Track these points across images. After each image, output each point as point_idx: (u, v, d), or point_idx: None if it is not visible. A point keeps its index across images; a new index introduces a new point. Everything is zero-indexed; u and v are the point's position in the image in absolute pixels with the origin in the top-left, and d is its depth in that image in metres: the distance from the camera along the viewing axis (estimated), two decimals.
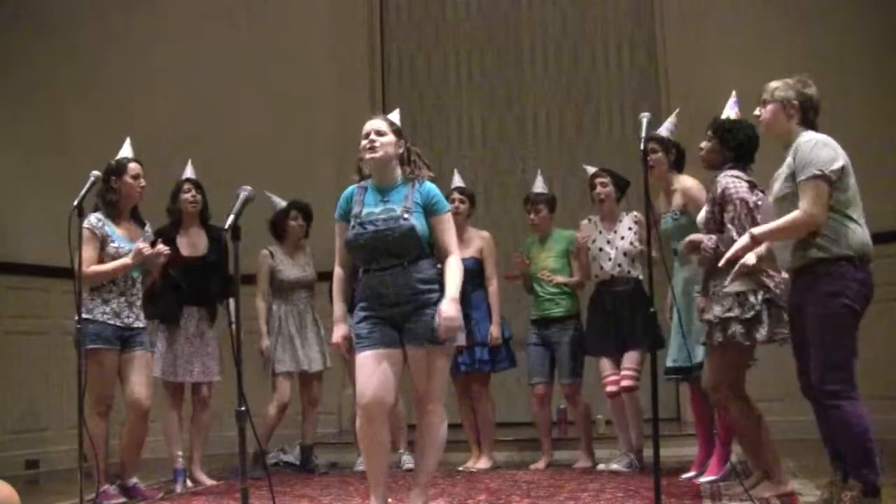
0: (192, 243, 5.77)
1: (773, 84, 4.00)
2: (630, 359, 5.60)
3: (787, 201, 3.85)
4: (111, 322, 5.08)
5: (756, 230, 3.92)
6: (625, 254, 5.70)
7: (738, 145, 4.57)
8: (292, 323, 6.15)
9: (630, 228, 5.74)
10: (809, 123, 3.95)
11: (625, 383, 5.58)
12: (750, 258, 4.04)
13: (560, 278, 5.93)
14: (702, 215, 4.57)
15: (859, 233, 3.82)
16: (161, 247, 5.21)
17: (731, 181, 4.39)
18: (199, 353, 5.71)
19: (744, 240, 3.92)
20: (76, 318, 4.92)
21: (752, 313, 4.27)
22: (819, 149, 3.78)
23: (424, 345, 3.85)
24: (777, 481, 4.42)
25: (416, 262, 3.89)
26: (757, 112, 4.06)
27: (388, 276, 3.88)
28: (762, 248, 4.09)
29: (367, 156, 3.98)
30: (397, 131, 4.06)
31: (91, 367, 4.99)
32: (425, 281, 3.88)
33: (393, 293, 3.86)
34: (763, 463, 4.49)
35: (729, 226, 4.31)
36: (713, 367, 4.47)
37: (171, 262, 5.40)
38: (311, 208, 6.33)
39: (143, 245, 5.10)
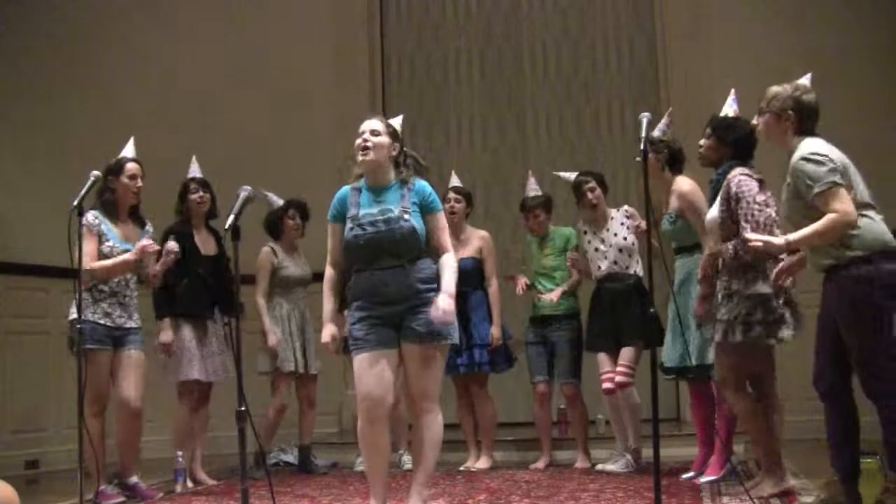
0: (204, 242, 5.76)
1: (772, 92, 3.96)
2: (625, 355, 5.59)
3: (797, 214, 3.81)
4: (102, 322, 5.09)
5: (792, 236, 3.77)
6: (620, 250, 5.70)
7: (736, 142, 4.58)
8: (294, 322, 6.14)
9: (622, 224, 5.73)
10: (808, 131, 3.90)
11: (618, 378, 5.57)
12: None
13: (558, 292, 5.90)
14: (715, 215, 4.50)
15: (874, 227, 3.73)
16: (171, 244, 5.23)
17: (742, 179, 4.36)
18: (218, 351, 5.73)
19: (778, 241, 3.79)
20: (71, 318, 4.94)
21: (774, 316, 4.29)
22: (814, 166, 3.70)
23: (422, 341, 3.86)
24: (778, 478, 4.42)
25: (416, 262, 3.91)
26: (755, 121, 4.07)
27: (389, 275, 3.88)
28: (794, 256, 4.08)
29: (360, 157, 3.96)
30: (393, 133, 4.03)
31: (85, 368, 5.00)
32: (425, 280, 3.89)
33: (393, 291, 3.87)
34: (768, 456, 4.47)
35: (743, 223, 4.26)
36: (727, 365, 4.46)
37: (184, 262, 5.41)
38: (308, 208, 6.32)
39: (147, 242, 5.11)
